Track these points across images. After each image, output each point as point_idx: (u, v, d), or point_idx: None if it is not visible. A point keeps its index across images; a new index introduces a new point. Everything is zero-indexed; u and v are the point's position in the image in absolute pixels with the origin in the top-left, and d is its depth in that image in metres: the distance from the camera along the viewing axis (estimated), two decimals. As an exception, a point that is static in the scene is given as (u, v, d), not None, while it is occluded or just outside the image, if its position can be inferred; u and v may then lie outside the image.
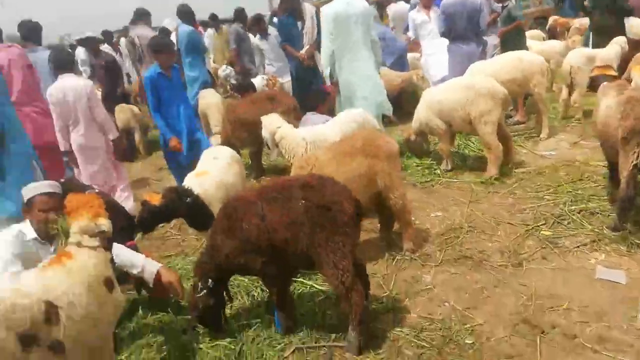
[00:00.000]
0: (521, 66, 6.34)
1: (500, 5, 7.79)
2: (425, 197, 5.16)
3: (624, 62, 7.61)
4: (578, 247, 3.85)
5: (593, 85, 4.91)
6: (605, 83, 4.52)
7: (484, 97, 5.14)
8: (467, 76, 6.40)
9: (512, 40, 7.50)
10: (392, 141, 4.03)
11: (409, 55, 9.30)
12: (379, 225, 4.31)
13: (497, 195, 4.97)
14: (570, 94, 7.14)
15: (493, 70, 6.36)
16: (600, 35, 8.01)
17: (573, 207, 4.42)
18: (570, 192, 4.75)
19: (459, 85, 5.45)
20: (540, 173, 5.35)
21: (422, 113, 5.76)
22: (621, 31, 7.71)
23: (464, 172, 5.68)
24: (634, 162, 3.68)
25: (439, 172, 5.70)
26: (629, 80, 5.31)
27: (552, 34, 11.98)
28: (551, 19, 12.54)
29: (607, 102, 4.13)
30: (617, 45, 7.25)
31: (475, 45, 7.29)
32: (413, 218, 4.31)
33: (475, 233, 4.26)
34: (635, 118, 3.63)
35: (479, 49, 7.35)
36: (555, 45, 9.02)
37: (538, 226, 4.23)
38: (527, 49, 7.48)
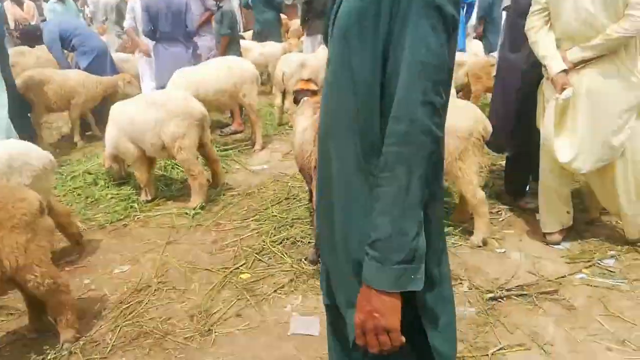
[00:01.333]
0: (230, 74, 5.85)
1: (216, 3, 7.19)
2: (113, 244, 4.16)
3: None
4: (275, 290, 3.45)
5: (296, 100, 4.66)
6: (305, 99, 4.26)
7: (177, 118, 4.38)
8: (168, 87, 5.60)
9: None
10: (30, 197, 2.88)
11: (119, 56, 8.02)
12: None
13: (200, 229, 4.32)
14: (284, 100, 7.09)
15: (198, 80, 5.72)
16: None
17: (275, 237, 4.06)
18: (276, 216, 4.43)
19: (149, 101, 4.57)
20: (249, 194, 4.94)
21: (112, 133, 4.70)
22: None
23: (168, 201, 4.89)
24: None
25: (137, 205, 4.76)
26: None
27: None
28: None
29: (303, 123, 3.83)
30: (325, 50, 7.47)
31: (184, 47, 6.54)
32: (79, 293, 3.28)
33: (164, 292, 3.48)
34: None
35: (189, 51, 6.63)
36: (275, 47, 9.00)
37: (237, 268, 3.71)
38: (240, 53, 7.08)
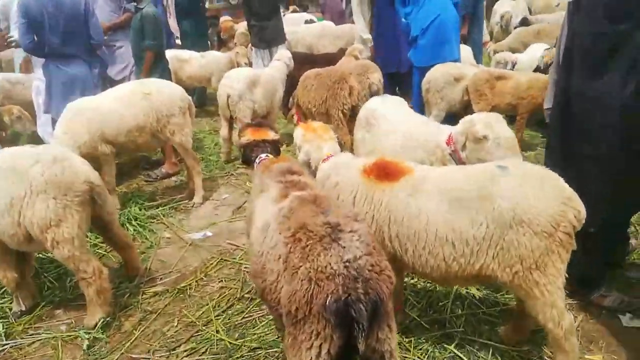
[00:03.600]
0: (150, 106, 4.16)
1: (134, 4, 5.41)
2: None
3: (291, 86, 6.43)
4: None
5: (246, 160, 3.05)
6: (262, 157, 2.69)
7: (44, 194, 2.64)
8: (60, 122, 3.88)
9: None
10: None
11: (6, 77, 6.11)
12: None
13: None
14: (232, 128, 5.46)
15: (103, 115, 4.01)
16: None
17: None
18: (223, 340, 2.81)
19: (2, 167, 2.82)
20: (181, 291, 3.28)
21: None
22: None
23: (57, 309, 3.16)
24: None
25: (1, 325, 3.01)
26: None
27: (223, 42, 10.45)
28: (222, 20, 10.83)
29: (263, 213, 2.26)
30: (280, 63, 5.88)
31: (85, 66, 4.77)
32: None
33: None
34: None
35: (94, 72, 4.86)
36: (219, 58, 7.32)
37: None
38: (168, 72, 5.33)
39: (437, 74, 5.14)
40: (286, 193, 2.05)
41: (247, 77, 5.25)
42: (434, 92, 5.12)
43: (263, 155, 2.64)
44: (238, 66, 7.10)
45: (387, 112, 3.25)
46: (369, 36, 7.37)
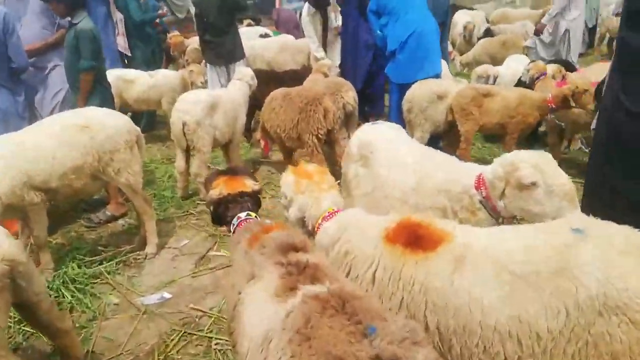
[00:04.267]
0: (89, 141, 3.38)
1: (68, 19, 4.58)
2: None
3: (254, 107, 5.77)
4: None
5: (219, 219, 2.37)
6: (241, 218, 2.02)
7: None
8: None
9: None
10: None
11: None
12: None
13: None
14: (189, 159, 4.72)
15: (29, 156, 3.20)
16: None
17: None
18: None
19: None
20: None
21: None
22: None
23: None
24: None
25: None
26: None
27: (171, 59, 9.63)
28: (171, 35, 9.95)
29: (255, 313, 1.61)
30: (242, 82, 5.20)
31: (6, 93, 3.94)
32: None
33: None
34: None
35: (17, 99, 4.04)
36: (170, 77, 6.53)
37: None
38: (109, 99, 4.52)
39: (420, 92, 4.64)
40: (293, 284, 1.40)
41: (205, 101, 4.54)
42: (417, 112, 4.61)
43: (243, 215, 1.98)
44: (193, 86, 6.36)
45: (388, 143, 2.67)
46: (323, 54, 6.89)
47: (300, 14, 11.73)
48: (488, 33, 9.33)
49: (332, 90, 5.08)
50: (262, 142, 5.34)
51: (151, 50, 7.19)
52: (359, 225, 1.83)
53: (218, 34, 6.27)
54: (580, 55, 10.92)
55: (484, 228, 1.75)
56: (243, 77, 5.23)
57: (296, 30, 10.02)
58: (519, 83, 5.40)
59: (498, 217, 2.11)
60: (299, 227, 2.03)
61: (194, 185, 4.82)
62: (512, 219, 2.18)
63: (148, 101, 6.32)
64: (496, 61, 7.31)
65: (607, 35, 10.53)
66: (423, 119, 4.60)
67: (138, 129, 3.73)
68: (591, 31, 10.89)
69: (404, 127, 5.06)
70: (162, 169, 5.58)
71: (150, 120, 7.05)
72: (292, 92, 4.85)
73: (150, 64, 6.89)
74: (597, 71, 5.00)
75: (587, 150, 5.23)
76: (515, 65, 5.87)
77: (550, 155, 1.94)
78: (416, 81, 4.85)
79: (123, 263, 3.69)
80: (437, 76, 4.96)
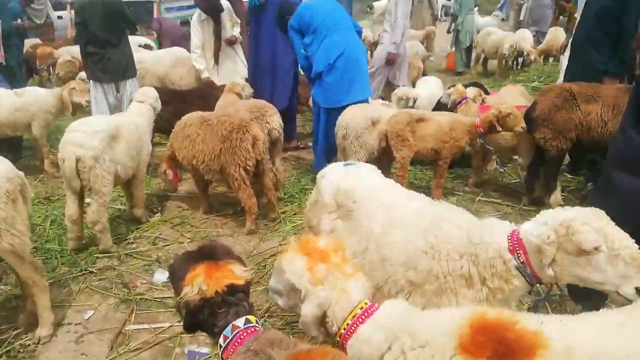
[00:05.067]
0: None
1: None
2: None
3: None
4: None
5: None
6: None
7: None
8: None
9: None
10: None
11: None
12: None
13: None
14: (82, 204, 3.79)
15: None
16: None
17: None
18: None
19: None
20: None
21: None
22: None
23: None
24: None
25: None
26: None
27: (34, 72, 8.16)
28: (34, 44, 8.40)
29: None
30: (144, 105, 4.37)
31: None
32: None
33: None
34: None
35: None
36: (43, 96, 5.33)
37: None
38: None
39: (354, 117, 4.30)
40: None
41: (104, 130, 3.67)
42: (353, 138, 4.26)
43: (240, 323, 1.38)
44: (74, 108, 5.29)
45: (375, 191, 2.22)
46: (203, 65, 6.37)
47: (181, 24, 10.90)
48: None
49: (255, 114, 4.51)
50: (170, 173, 4.56)
51: (16, 63, 5.89)
52: (414, 330, 1.36)
53: (105, 45, 5.32)
54: (459, 73, 11.79)
55: (573, 318, 1.40)
56: (146, 98, 4.42)
57: (183, 41, 9.12)
58: (439, 106, 5.37)
59: (535, 283, 1.80)
60: (314, 327, 1.49)
61: (88, 231, 3.90)
62: (551, 285, 1.89)
63: (15, 125, 5.11)
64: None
65: (482, 55, 11.34)
66: (358, 146, 4.27)
67: (21, 174, 2.80)
68: (467, 51, 11.69)
69: (334, 153, 4.73)
70: (40, 212, 4.48)
71: (14, 147, 5.76)
72: (211, 117, 4.20)
73: (16, 80, 5.62)
74: (513, 93, 5.17)
75: (502, 170, 5.36)
76: (429, 88, 5.86)
77: (604, 213, 1.68)
78: (345, 105, 4.53)
79: (7, 355, 2.73)
80: (366, 100, 4.67)
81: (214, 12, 6.22)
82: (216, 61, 6.44)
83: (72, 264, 3.67)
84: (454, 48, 12.06)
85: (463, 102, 4.91)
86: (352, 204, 2.27)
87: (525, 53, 10.43)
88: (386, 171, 4.59)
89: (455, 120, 4.38)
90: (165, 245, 3.97)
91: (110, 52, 5.36)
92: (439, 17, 13.65)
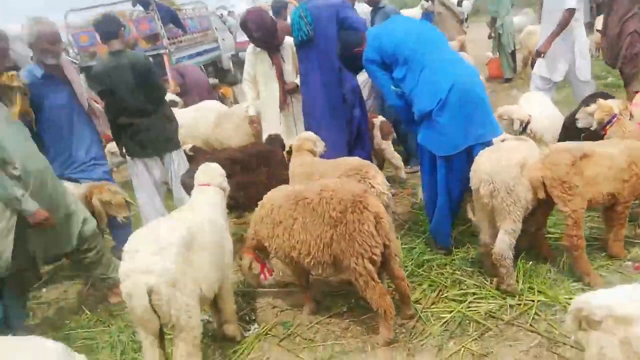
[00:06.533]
0: None
1: None
2: None
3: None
4: None
5: None
6: None
7: None
8: None
9: None
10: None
11: None
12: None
13: None
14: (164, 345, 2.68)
15: None
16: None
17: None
18: None
19: None
20: None
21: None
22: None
23: None
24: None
25: None
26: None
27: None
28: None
29: None
30: (211, 189, 3.30)
31: None
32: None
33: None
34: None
35: None
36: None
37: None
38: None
39: (498, 164, 3.16)
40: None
41: (173, 243, 2.58)
42: (504, 194, 3.11)
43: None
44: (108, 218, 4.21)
45: None
46: (254, 110, 5.37)
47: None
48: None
49: (356, 179, 3.42)
50: (258, 266, 3.45)
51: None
52: None
53: (141, 114, 4.32)
54: (507, 80, 10.66)
55: None
56: (211, 179, 3.35)
57: (208, 95, 8.01)
58: (568, 130, 4.25)
59: None
60: None
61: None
62: None
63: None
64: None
65: (530, 56, 10.16)
66: (512, 203, 3.11)
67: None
68: (512, 55, 10.62)
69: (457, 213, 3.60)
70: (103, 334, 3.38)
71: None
72: (305, 193, 3.09)
73: None
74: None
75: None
76: (539, 107, 4.74)
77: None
78: (466, 149, 3.45)
79: None
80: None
81: (267, 45, 5.09)
82: (281, 107, 5.30)
83: None
84: (496, 54, 10.97)
85: (613, 121, 3.77)
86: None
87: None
88: (541, 229, 3.49)
89: (634, 148, 3.24)
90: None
91: (147, 120, 4.35)
92: (464, 21, 12.49)
